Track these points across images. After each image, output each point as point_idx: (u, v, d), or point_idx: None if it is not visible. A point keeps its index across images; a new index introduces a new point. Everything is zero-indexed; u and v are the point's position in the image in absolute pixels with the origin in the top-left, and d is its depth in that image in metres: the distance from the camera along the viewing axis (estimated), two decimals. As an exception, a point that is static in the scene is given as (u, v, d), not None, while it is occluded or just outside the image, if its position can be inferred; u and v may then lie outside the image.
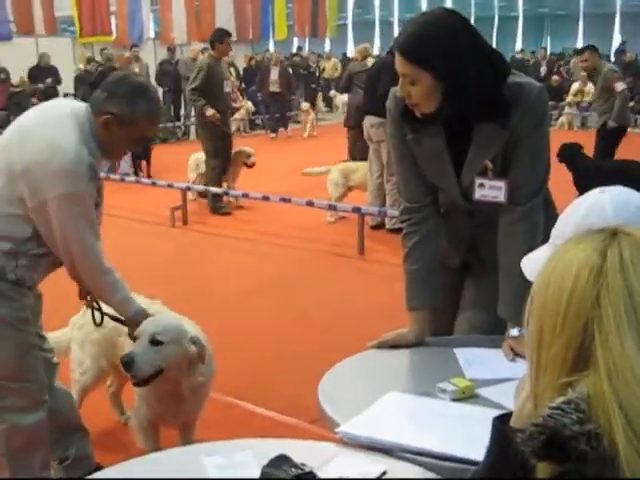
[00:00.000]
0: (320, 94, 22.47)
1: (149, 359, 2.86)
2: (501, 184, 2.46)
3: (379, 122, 7.87)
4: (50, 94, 16.35)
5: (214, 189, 9.29)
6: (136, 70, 17.13)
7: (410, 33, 2.34)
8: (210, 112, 9.12)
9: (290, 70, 19.32)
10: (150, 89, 2.93)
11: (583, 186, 8.42)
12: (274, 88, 17.67)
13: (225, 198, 9.66)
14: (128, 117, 2.78)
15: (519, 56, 24.64)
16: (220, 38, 9.33)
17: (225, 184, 9.71)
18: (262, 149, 10.37)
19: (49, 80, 16.61)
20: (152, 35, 21.85)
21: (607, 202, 1.53)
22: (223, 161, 9.56)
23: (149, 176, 11.65)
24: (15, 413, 2.93)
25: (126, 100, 2.78)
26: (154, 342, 2.88)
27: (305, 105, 18.21)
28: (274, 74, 17.69)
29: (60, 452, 3.25)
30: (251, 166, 9.79)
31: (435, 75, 2.30)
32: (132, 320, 2.96)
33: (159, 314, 3.12)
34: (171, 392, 3.06)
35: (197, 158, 10.07)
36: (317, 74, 22.97)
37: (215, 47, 9.31)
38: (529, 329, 1.23)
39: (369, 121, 8.38)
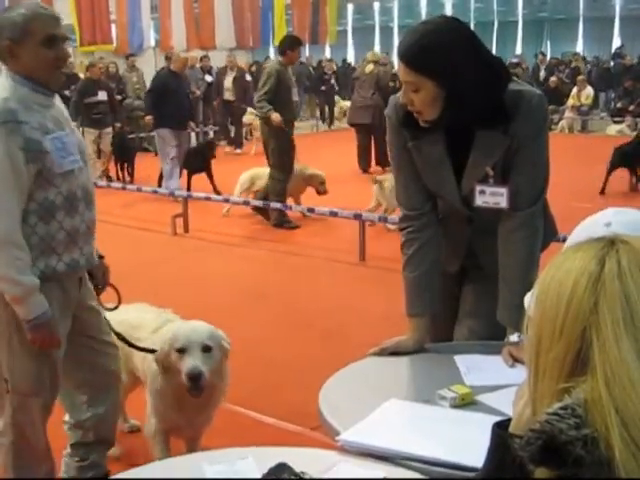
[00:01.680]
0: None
1: (208, 367, 2.89)
2: (503, 190, 2.47)
3: None
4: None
5: (215, 196, 9.29)
6: (134, 79, 17.22)
7: (412, 42, 2.34)
8: (275, 116, 8.66)
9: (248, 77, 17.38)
10: (25, 2, 2.83)
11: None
12: (228, 96, 16.29)
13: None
14: (17, 31, 2.71)
15: (515, 60, 24.64)
16: (292, 45, 9.01)
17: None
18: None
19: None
20: (152, 43, 21.86)
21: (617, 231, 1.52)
22: (289, 174, 9.12)
23: (217, 191, 10.75)
24: (25, 426, 2.94)
25: (6, 20, 2.74)
26: (206, 349, 2.90)
27: (249, 117, 15.77)
28: (228, 80, 16.28)
29: (83, 453, 3.24)
30: (323, 193, 9.38)
31: (437, 83, 2.31)
32: (37, 323, 2.73)
33: (177, 321, 3.14)
34: (200, 399, 2.99)
35: (253, 175, 9.60)
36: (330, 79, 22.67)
37: (285, 54, 8.94)
38: (528, 335, 1.24)
39: None
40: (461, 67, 2.32)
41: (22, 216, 2.71)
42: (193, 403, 3.02)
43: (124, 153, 12.83)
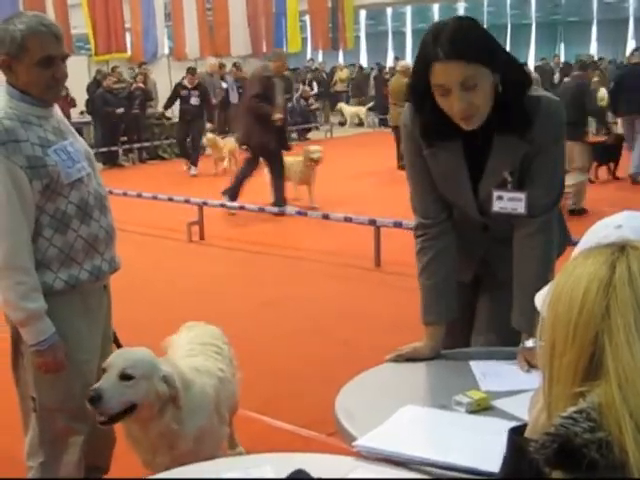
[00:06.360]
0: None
1: (118, 394, 2.54)
2: (521, 196, 2.45)
3: None
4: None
5: (231, 203, 9.34)
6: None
7: (456, 37, 2.26)
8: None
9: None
10: (27, 13, 2.74)
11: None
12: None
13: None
14: (15, 47, 2.64)
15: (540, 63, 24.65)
16: None
17: None
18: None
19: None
20: (166, 51, 21.94)
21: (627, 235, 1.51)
22: None
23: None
24: (55, 443, 2.87)
25: (5, 33, 2.65)
26: (123, 377, 2.57)
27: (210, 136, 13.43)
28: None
29: None
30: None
31: (492, 68, 2.30)
32: (40, 349, 2.67)
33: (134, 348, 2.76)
34: (139, 436, 2.72)
35: None
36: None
37: None
38: (541, 341, 1.25)
39: None
40: (499, 53, 2.35)
41: (37, 230, 2.67)
42: (139, 438, 2.74)
43: None
